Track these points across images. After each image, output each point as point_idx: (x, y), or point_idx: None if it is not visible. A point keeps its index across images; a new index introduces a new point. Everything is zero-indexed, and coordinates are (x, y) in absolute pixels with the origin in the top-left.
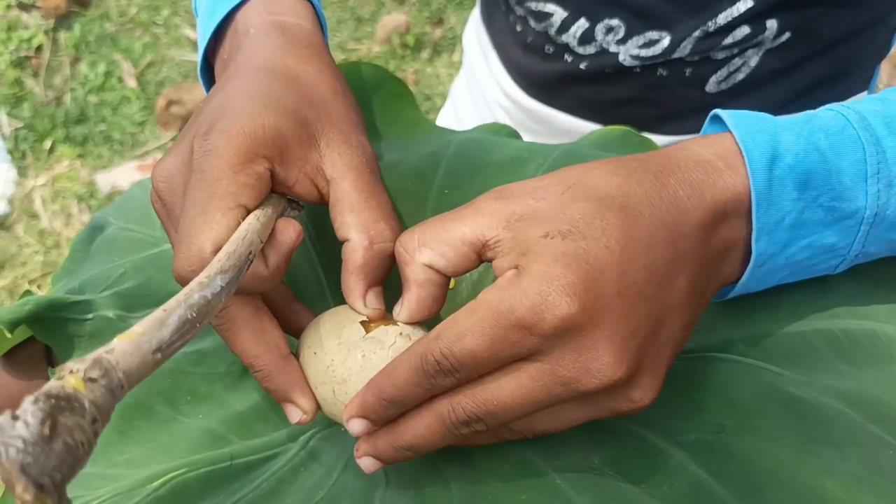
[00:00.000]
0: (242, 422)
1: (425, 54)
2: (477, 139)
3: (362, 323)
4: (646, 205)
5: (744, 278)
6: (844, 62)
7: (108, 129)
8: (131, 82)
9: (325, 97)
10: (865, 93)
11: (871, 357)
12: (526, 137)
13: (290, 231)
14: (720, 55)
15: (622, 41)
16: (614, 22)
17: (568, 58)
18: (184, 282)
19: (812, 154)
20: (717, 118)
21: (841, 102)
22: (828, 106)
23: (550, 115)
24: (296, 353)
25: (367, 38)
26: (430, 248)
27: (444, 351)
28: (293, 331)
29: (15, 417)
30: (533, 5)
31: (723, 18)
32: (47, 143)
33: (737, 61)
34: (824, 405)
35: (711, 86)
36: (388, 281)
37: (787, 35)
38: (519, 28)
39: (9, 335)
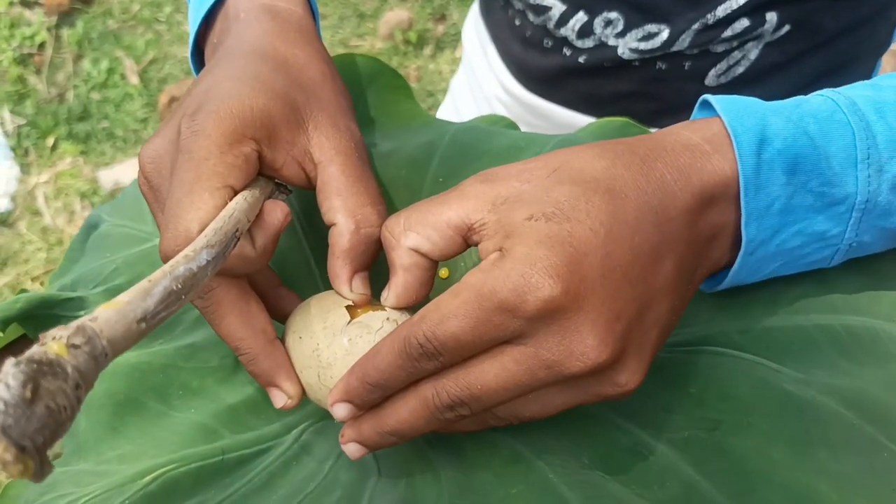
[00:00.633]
0: (234, 416)
1: (428, 50)
2: (474, 129)
3: (348, 308)
4: (632, 188)
5: (735, 266)
6: (845, 56)
7: (111, 126)
8: (134, 79)
9: (314, 81)
10: None
11: (872, 355)
12: (525, 131)
13: (277, 212)
14: (719, 48)
15: (621, 34)
16: (613, 15)
17: (567, 51)
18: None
19: (801, 138)
20: (706, 104)
21: (832, 88)
22: (819, 91)
23: (549, 109)
24: (282, 338)
25: (369, 34)
26: (415, 233)
27: (427, 334)
28: (279, 316)
29: None
30: None
31: (722, 11)
32: (50, 140)
33: (736, 54)
34: (822, 405)
35: (711, 79)
36: (375, 266)
37: (786, 28)
38: (517, 22)
39: (0, 333)
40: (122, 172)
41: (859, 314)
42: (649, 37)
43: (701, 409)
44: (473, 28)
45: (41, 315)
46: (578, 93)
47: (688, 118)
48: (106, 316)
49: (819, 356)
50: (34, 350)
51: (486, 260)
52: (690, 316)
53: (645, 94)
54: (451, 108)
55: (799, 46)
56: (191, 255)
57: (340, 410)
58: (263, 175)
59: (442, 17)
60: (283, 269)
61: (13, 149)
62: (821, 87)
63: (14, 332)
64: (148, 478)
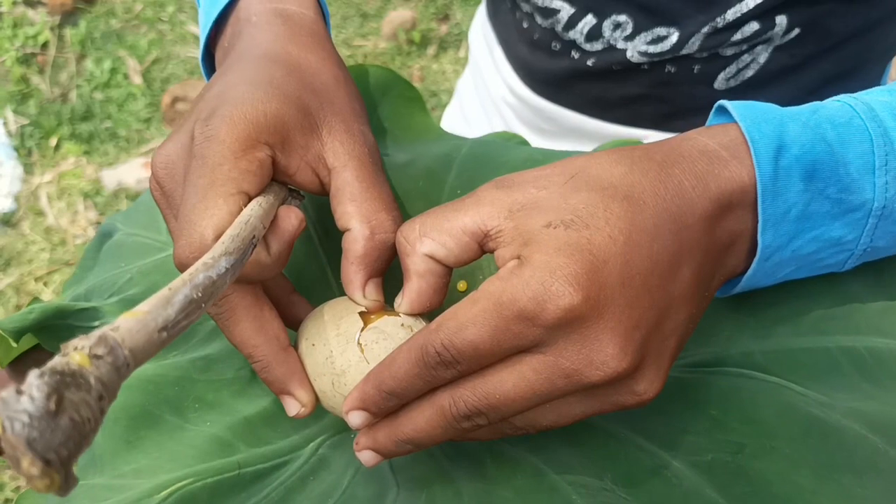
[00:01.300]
0: (250, 429)
1: (431, 50)
2: (490, 142)
3: (361, 314)
4: (650, 195)
5: (750, 271)
6: (855, 60)
7: (114, 125)
8: (137, 79)
9: (327, 86)
10: None
11: None
12: (533, 135)
13: (292, 218)
14: (729, 52)
15: (630, 38)
16: (622, 18)
17: (575, 55)
18: (184, 268)
19: (819, 145)
20: (722, 109)
21: (848, 93)
22: (836, 97)
23: (557, 112)
24: (294, 345)
25: (372, 34)
26: (431, 239)
27: (444, 342)
28: (292, 323)
29: (19, 392)
30: (539, 1)
31: (731, 14)
32: (53, 141)
33: (746, 58)
34: (846, 429)
35: (720, 83)
36: (388, 271)
37: (796, 31)
38: (525, 25)
39: (14, 344)
40: (126, 172)
41: (883, 335)
42: (658, 40)
43: (723, 432)
44: (480, 30)
45: (55, 325)
46: (587, 96)
47: (697, 121)
48: (127, 325)
49: (842, 379)
50: (56, 361)
51: (504, 268)
52: (710, 335)
53: (654, 98)
54: (457, 110)
55: (808, 50)
56: (209, 263)
57: (355, 418)
58: (277, 181)
59: (445, 17)
60: (299, 277)
61: (16, 149)
62: (830, 92)
63: (28, 342)
64: (164, 492)
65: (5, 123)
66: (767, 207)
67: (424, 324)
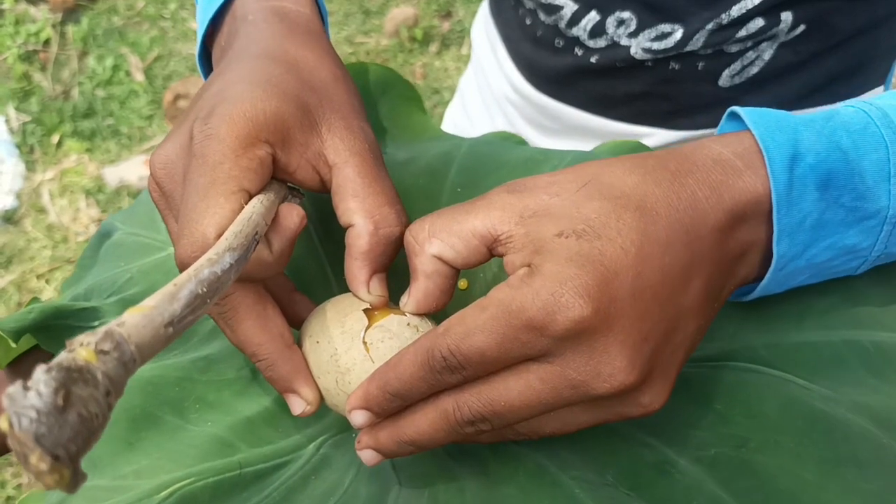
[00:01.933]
0: (252, 428)
1: (433, 47)
2: (490, 142)
3: (365, 311)
4: (663, 205)
5: (764, 281)
6: (860, 56)
7: (116, 123)
8: (139, 76)
9: (325, 83)
10: (882, 88)
11: None
12: (536, 133)
13: (293, 216)
14: (734, 48)
15: (634, 34)
16: (626, 14)
17: (578, 51)
18: (185, 268)
19: (834, 153)
20: (734, 115)
21: (862, 99)
22: (849, 102)
23: (560, 109)
24: (298, 343)
25: (375, 31)
26: (439, 240)
27: (451, 347)
28: (295, 322)
29: (27, 387)
30: None
31: (737, 10)
32: (55, 138)
33: (750, 55)
34: (851, 423)
35: (724, 80)
36: (391, 268)
37: (801, 28)
38: (528, 21)
39: (13, 345)
40: (128, 170)
41: (887, 330)
42: (662, 37)
43: (727, 426)
44: (483, 27)
45: (54, 326)
46: (590, 93)
47: (701, 119)
48: (133, 321)
49: (847, 373)
50: (63, 356)
51: (514, 275)
52: (715, 329)
53: (657, 95)
54: (460, 108)
55: (814, 47)
56: (214, 259)
57: (358, 417)
58: (277, 179)
59: (447, 14)
60: (298, 276)
61: (18, 146)
62: (836, 89)
63: (27, 342)
64: (165, 493)
65: (7, 120)
66: (782, 218)
67: (430, 323)
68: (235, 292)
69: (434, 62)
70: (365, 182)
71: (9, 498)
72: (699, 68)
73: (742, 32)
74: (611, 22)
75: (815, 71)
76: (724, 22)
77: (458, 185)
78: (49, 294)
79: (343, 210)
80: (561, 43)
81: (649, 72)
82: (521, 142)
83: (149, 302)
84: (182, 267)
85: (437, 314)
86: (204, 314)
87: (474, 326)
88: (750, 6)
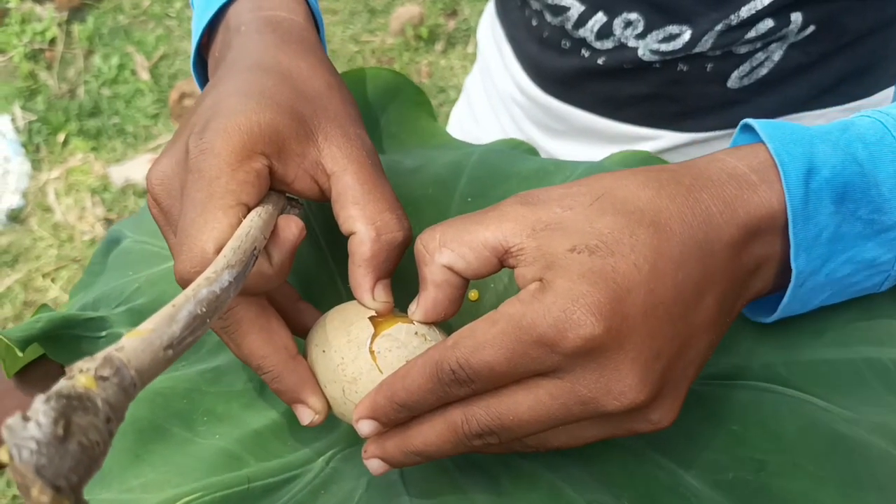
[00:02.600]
0: (260, 442)
1: (439, 46)
2: (500, 151)
3: (371, 319)
4: (677, 221)
5: (785, 300)
6: (870, 57)
7: (122, 122)
8: (144, 75)
9: (320, 92)
10: (892, 89)
11: None
12: (542, 134)
13: (292, 227)
14: (743, 49)
15: (641, 36)
16: (633, 16)
17: (585, 53)
18: (185, 284)
19: (850, 166)
20: (748, 127)
21: (878, 108)
22: (864, 112)
23: (567, 111)
24: (303, 353)
25: (380, 29)
26: (450, 250)
27: (460, 361)
28: (300, 331)
29: (26, 418)
30: None
31: (746, 11)
32: (61, 137)
33: (760, 56)
34: (872, 445)
35: (733, 81)
36: (395, 275)
37: (811, 28)
38: (534, 22)
39: (20, 354)
40: (133, 169)
41: None
42: (670, 38)
43: (745, 449)
44: (489, 28)
45: (62, 335)
46: (597, 95)
47: (709, 121)
48: (132, 345)
49: (867, 392)
50: (62, 384)
51: (525, 290)
52: (731, 345)
53: (665, 97)
54: (466, 108)
55: (823, 47)
56: (212, 277)
57: (365, 427)
58: (275, 190)
59: (453, 13)
60: (307, 283)
61: (24, 145)
62: (846, 89)
63: (34, 351)
64: None
65: (13, 119)
66: (798, 232)
67: (438, 332)
68: (238, 306)
69: (439, 61)
70: (365, 189)
71: None
72: (707, 70)
73: (751, 33)
74: (618, 23)
75: (824, 71)
76: (733, 23)
77: (467, 196)
78: (55, 293)
79: (344, 218)
80: (567, 44)
81: (657, 73)
82: (532, 150)
83: (147, 325)
84: (182, 283)
85: (445, 322)
86: (204, 334)
87: (484, 340)
88: (759, 7)
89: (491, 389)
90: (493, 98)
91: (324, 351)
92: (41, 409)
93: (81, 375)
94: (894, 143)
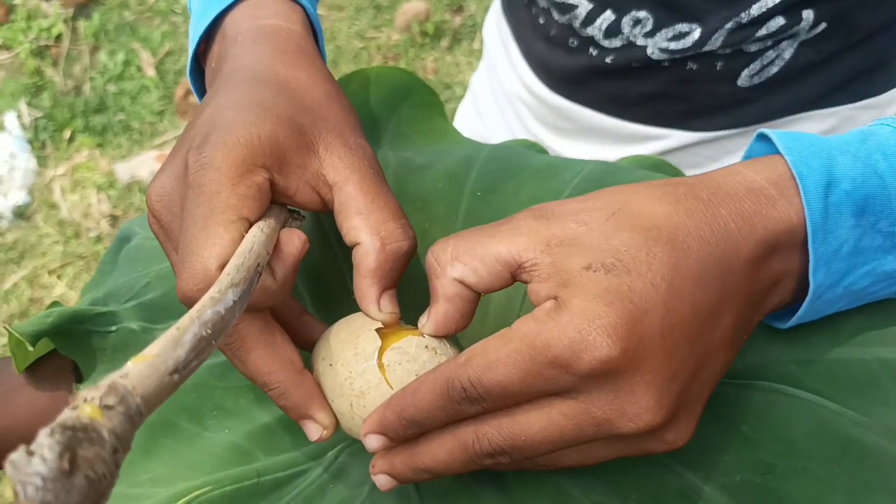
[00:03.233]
0: (269, 436)
1: (445, 42)
2: (511, 147)
3: (378, 331)
4: (695, 238)
5: (801, 311)
6: (882, 54)
7: (128, 118)
8: (150, 71)
9: (319, 102)
10: None
11: None
12: (549, 133)
13: (294, 241)
14: (753, 48)
15: (650, 34)
16: (642, 14)
17: (593, 51)
18: (189, 302)
19: (871, 178)
20: (764, 136)
21: (885, 97)
22: (883, 120)
23: (574, 110)
24: (309, 367)
25: (386, 25)
26: (462, 263)
27: (472, 379)
28: (306, 344)
29: (30, 453)
30: None
31: (756, 9)
32: (67, 133)
33: (770, 54)
34: (884, 450)
35: (743, 80)
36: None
37: (823, 26)
38: (541, 20)
39: (31, 348)
40: (139, 165)
41: None
42: (680, 36)
43: (754, 451)
44: (495, 26)
45: (72, 330)
46: (605, 94)
47: (719, 120)
48: (137, 371)
49: (880, 393)
50: (66, 416)
51: (540, 308)
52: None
53: (674, 96)
54: (471, 106)
55: (835, 45)
56: (217, 297)
57: (373, 442)
58: (276, 203)
59: (459, 9)
60: (318, 289)
61: (30, 141)
62: (857, 87)
63: (44, 346)
64: (182, 501)
65: (19, 116)
66: (818, 247)
67: (449, 346)
68: (241, 322)
69: (445, 57)
70: (367, 199)
71: None
72: (717, 68)
73: (762, 31)
74: (626, 21)
75: (836, 69)
76: (744, 21)
77: (477, 190)
78: (60, 290)
79: (348, 229)
80: (575, 43)
81: (666, 72)
82: (543, 151)
83: (152, 350)
84: (185, 300)
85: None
86: (210, 355)
87: (497, 359)
88: (770, 4)
89: (503, 408)
90: (499, 97)
91: (331, 365)
92: (46, 443)
93: (86, 405)
94: None
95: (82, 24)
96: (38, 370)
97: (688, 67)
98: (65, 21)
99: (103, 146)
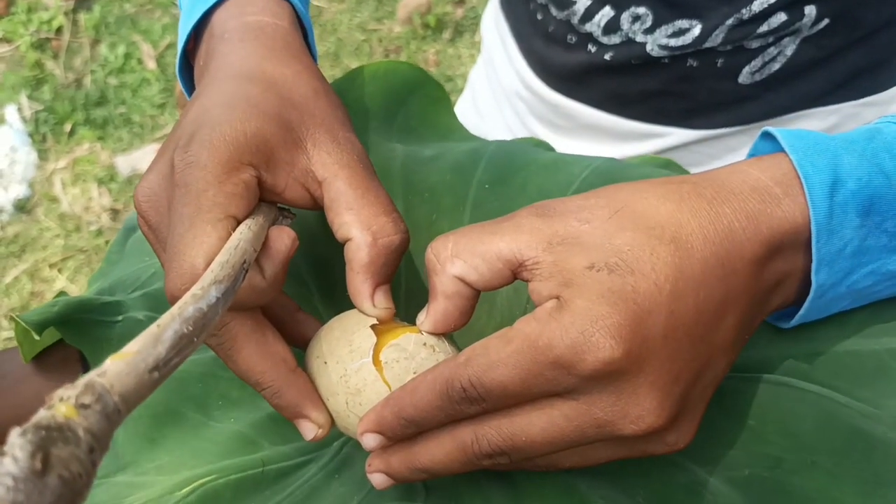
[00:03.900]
0: (274, 425)
1: (447, 35)
2: (518, 143)
3: (373, 327)
4: (698, 237)
5: (803, 310)
6: (885, 51)
7: (128, 111)
8: (151, 64)
9: (306, 98)
10: None
11: None
12: (548, 131)
13: (284, 239)
14: (754, 44)
15: (650, 30)
16: (641, 10)
17: (592, 48)
18: (175, 301)
19: (876, 177)
20: (768, 135)
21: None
22: (890, 118)
23: (573, 108)
24: (303, 365)
25: (387, 18)
26: (463, 260)
27: (472, 379)
28: (300, 343)
29: (2, 453)
30: None
31: (758, 5)
32: (67, 126)
33: (772, 50)
34: (893, 442)
35: (744, 77)
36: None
37: (825, 22)
38: (540, 16)
39: (37, 337)
40: (140, 159)
41: None
42: (680, 33)
43: (761, 445)
44: (493, 22)
45: (78, 319)
46: (604, 91)
47: (719, 118)
48: (115, 369)
49: (890, 384)
50: (40, 415)
51: (541, 308)
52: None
53: (674, 93)
54: (470, 103)
55: (838, 41)
56: (199, 294)
57: (370, 440)
58: (265, 201)
59: (461, 1)
60: (326, 285)
61: (31, 134)
62: (860, 84)
63: (51, 336)
64: (187, 489)
65: (20, 109)
66: (822, 247)
67: (447, 343)
68: (232, 321)
69: (447, 49)
70: (358, 193)
71: None
72: (718, 65)
73: (763, 28)
74: (626, 18)
75: (838, 66)
76: (745, 17)
77: (485, 182)
78: (61, 283)
79: (339, 224)
80: (574, 39)
81: (666, 69)
82: (551, 149)
83: (132, 347)
84: (172, 300)
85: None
86: (193, 352)
87: (497, 359)
88: (772, 0)
89: (503, 408)
90: (497, 94)
91: (325, 362)
92: (17, 443)
93: (61, 404)
94: None
95: (83, 17)
96: (45, 360)
97: (688, 64)
98: (65, 13)
99: (104, 139)
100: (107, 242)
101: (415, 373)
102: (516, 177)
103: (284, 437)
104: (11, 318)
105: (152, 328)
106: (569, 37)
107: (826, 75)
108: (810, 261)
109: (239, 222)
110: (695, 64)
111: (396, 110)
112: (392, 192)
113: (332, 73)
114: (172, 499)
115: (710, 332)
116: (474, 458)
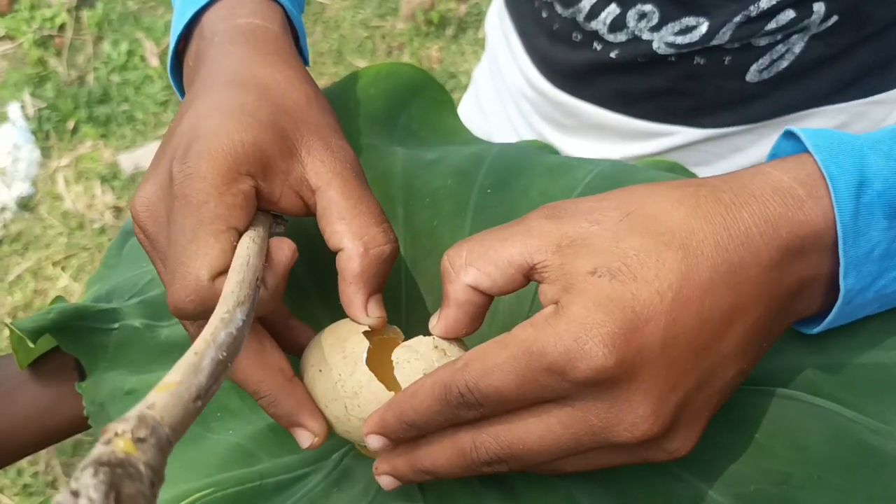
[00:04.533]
0: (273, 438)
1: (450, 31)
2: (521, 146)
3: (365, 333)
4: (710, 244)
5: (830, 316)
6: (894, 48)
7: (131, 108)
8: (154, 61)
9: (299, 104)
10: None
11: None
12: (553, 130)
13: (284, 250)
14: (762, 42)
15: (656, 28)
16: (647, 7)
17: (597, 46)
18: (180, 313)
19: None
20: (791, 134)
21: None
22: None
23: (578, 106)
24: (299, 375)
25: (390, 14)
26: (476, 268)
27: (469, 384)
28: (293, 349)
29: (75, 493)
30: None
31: (766, 2)
32: (70, 124)
33: (780, 48)
34: None
35: (752, 75)
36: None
37: (834, 19)
38: (544, 14)
39: (31, 345)
40: (143, 156)
41: None
42: (687, 30)
43: (768, 460)
44: (497, 19)
45: (74, 326)
46: (609, 90)
47: (726, 116)
48: (163, 401)
49: None
50: (102, 451)
51: (539, 314)
52: None
53: (681, 91)
54: (473, 101)
55: (846, 38)
56: (227, 318)
57: (374, 441)
58: (260, 210)
59: None
60: (326, 293)
61: (34, 132)
62: (870, 82)
63: (46, 343)
64: (184, 503)
65: (23, 107)
66: (849, 250)
67: (458, 347)
68: None
69: (451, 46)
70: (349, 203)
71: None
72: (725, 63)
73: (771, 25)
74: (632, 15)
75: (847, 64)
76: (753, 14)
77: (487, 187)
78: (65, 281)
79: (330, 234)
80: (579, 37)
81: (672, 67)
82: (555, 152)
83: (173, 377)
84: (176, 312)
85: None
86: (225, 380)
87: (493, 365)
88: None
89: (501, 413)
90: (501, 92)
91: (320, 370)
92: (91, 483)
93: (119, 439)
94: None
95: (86, 14)
96: (41, 367)
97: (695, 62)
98: (68, 11)
99: (107, 137)
100: (110, 240)
101: (425, 373)
102: (519, 181)
103: (283, 450)
104: (6, 325)
105: (190, 356)
106: (574, 35)
107: (834, 73)
108: (836, 265)
109: (240, 233)
110: (702, 62)
111: (398, 113)
112: (393, 196)
113: (334, 70)
114: None
115: (716, 339)
116: (473, 464)
